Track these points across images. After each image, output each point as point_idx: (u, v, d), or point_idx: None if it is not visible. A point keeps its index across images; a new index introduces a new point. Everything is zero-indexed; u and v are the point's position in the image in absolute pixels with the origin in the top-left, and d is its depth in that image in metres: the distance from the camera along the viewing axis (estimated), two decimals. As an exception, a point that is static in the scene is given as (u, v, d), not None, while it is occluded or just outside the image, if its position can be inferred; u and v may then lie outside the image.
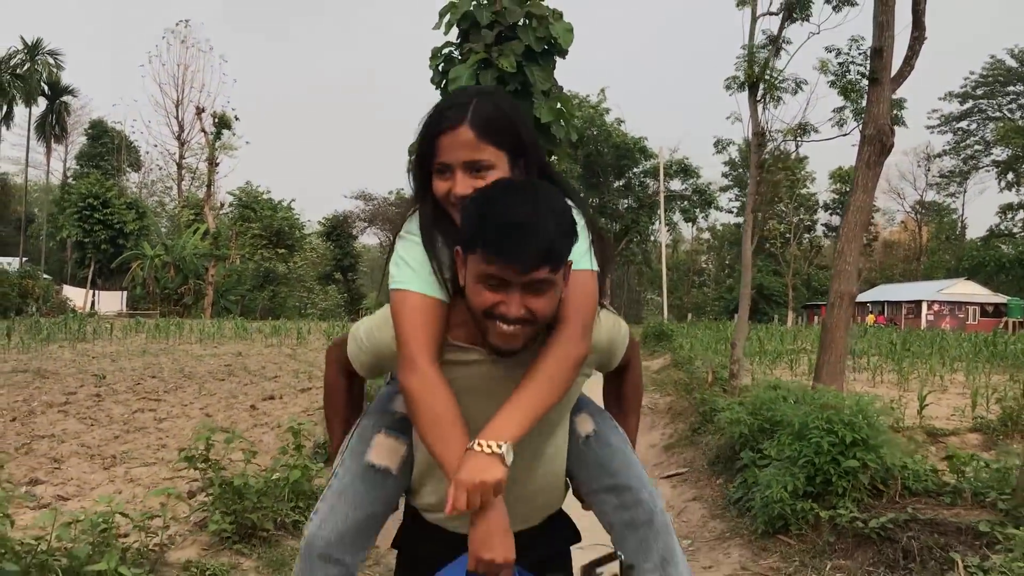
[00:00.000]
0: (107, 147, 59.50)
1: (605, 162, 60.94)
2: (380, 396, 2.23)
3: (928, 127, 75.33)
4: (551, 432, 2.06)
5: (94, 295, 47.10)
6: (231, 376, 16.35)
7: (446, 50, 18.07)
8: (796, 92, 11.25)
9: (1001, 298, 57.15)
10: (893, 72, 8.39)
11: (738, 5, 11.18)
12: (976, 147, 75.22)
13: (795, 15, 11.18)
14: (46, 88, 47.89)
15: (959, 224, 79.85)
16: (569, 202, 1.91)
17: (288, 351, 23.98)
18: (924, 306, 58.73)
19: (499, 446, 1.75)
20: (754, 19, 11.17)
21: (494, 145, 1.90)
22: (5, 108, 44.69)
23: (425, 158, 1.95)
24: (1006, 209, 69.54)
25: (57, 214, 55.55)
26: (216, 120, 48.31)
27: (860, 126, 8.54)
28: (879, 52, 8.21)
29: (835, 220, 74.88)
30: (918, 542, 4.60)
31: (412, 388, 1.84)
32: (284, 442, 6.32)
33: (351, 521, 2.01)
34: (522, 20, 16.41)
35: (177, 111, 63.45)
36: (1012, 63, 70.87)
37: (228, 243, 49.37)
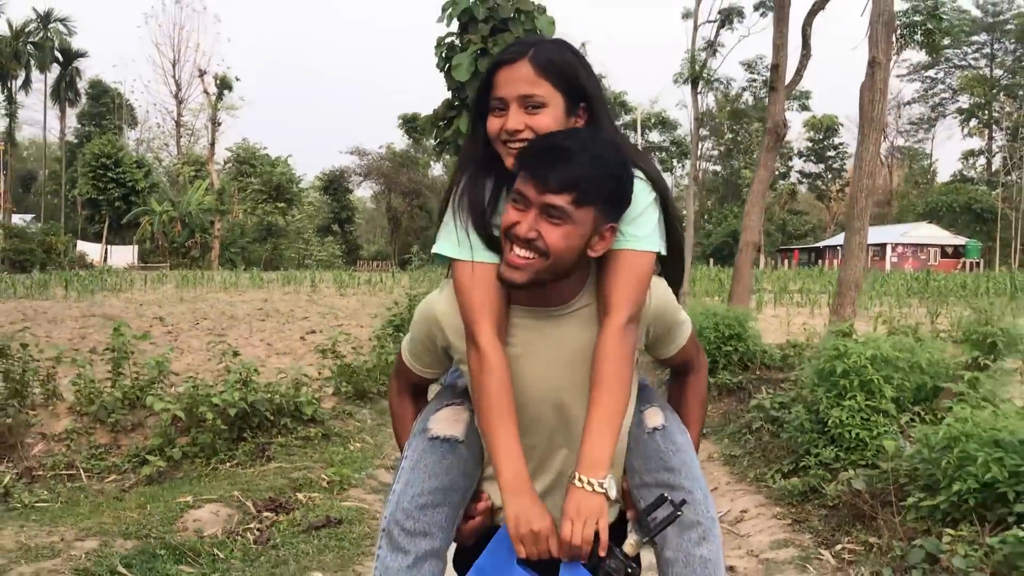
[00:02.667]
0: (107, 106, 61.85)
1: (586, 115, 63.37)
2: (446, 381, 2.16)
3: (898, 76, 78.12)
4: None
5: (106, 249, 49.98)
6: (269, 317, 19.28)
7: (448, 40, 21.68)
8: (728, 86, 14.28)
9: (961, 240, 60.42)
10: (788, 80, 11.60)
11: (683, 17, 14.30)
12: (943, 95, 78.28)
13: (728, 23, 14.31)
14: (59, 55, 50.36)
15: (930, 169, 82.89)
16: (637, 173, 1.84)
17: (306, 297, 27.10)
18: (888, 248, 61.86)
19: (600, 485, 1.72)
20: (695, 29, 14.30)
21: (551, 83, 1.80)
22: (23, 75, 47.21)
23: (482, 95, 1.89)
24: (968, 155, 72.80)
25: (63, 172, 58.35)
26: (218, 82, 50.92)
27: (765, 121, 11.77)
28: (776, 67, 11.40)
29: (809, 167, 78.28)
30: (754, 388, 8.02)
31: (471, 365, 1.83)
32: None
33: (429, 489, 1.89)
34: (513, 14, 19.86)
35: (174, 70, 65.97)
36: (977, 13, 73.53)
37: (231, 198, 52.24)
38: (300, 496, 5.77)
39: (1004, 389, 5.70)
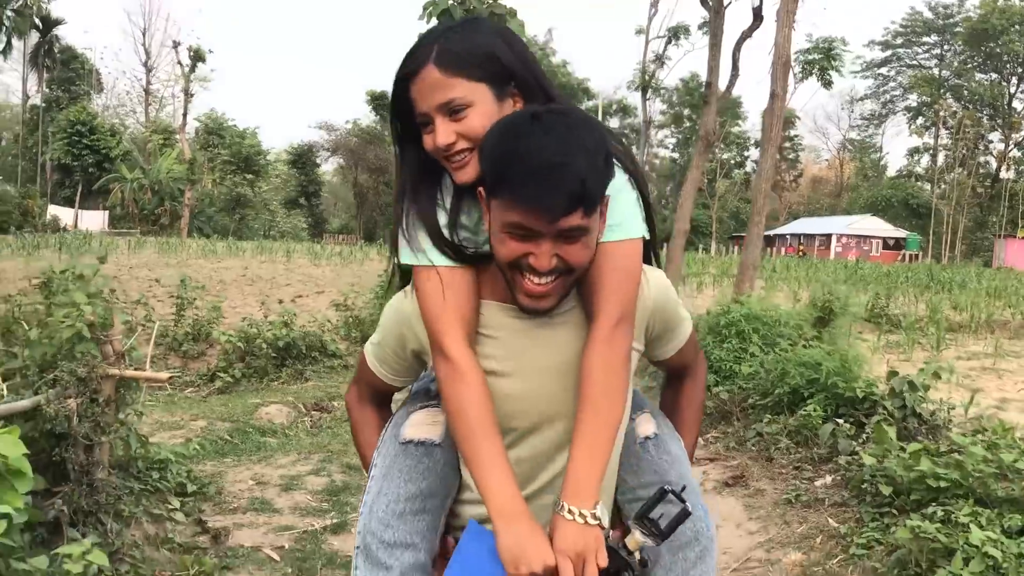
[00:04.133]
0: (76, 72, 62.69)
1: (551, 100, 65.56)
2: (414, 388, 1.95)
3: (852, 72, 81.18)
4: None
5: (77, 214, 51.25)
6: (254, 283, 21.24)
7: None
8: (672, 95, 16.58)
9: (903, 233, 63.52)
10: (720, 94, 13.93)
11: (636, 33, 16.56)
12: (894, 92, 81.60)
13: (675, 39, 16.63)
14: (38, 22, 51.43)
15: (879, 163, 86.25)
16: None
17: (282, 266, 29.07)
18: (834, 239, 64.74)
19: (593, 516, 1.52)
20: (647, 43, 16.58)
21: (464, 77, 1.58)
22: (4, 41, 48.34)
23: (400, 114, 1.68)
24: (913, 152, 76.21)
25: (28, 136, 59.36)
26: (192, 54, 52.26)
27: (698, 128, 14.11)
28: (709, 84, 13.71)
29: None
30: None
31: (441, 377, 1.64)
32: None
33: (406, 495, 1.69)
34: (486, 16, 21.97)
35: (144, 38, 67.01)
36: (929, 15, 76.61)
37: (201, 168, 53.69)
38: (335, 403, 8.01)
39: (842, 338, 8.10)
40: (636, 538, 1.57)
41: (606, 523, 1.58)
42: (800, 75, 16.45)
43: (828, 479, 5.43)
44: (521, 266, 1.54)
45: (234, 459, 6.37)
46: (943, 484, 4.37)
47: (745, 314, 8.03)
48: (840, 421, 5.91)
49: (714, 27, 13.75)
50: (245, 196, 58.95)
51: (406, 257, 1.70)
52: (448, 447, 1.75)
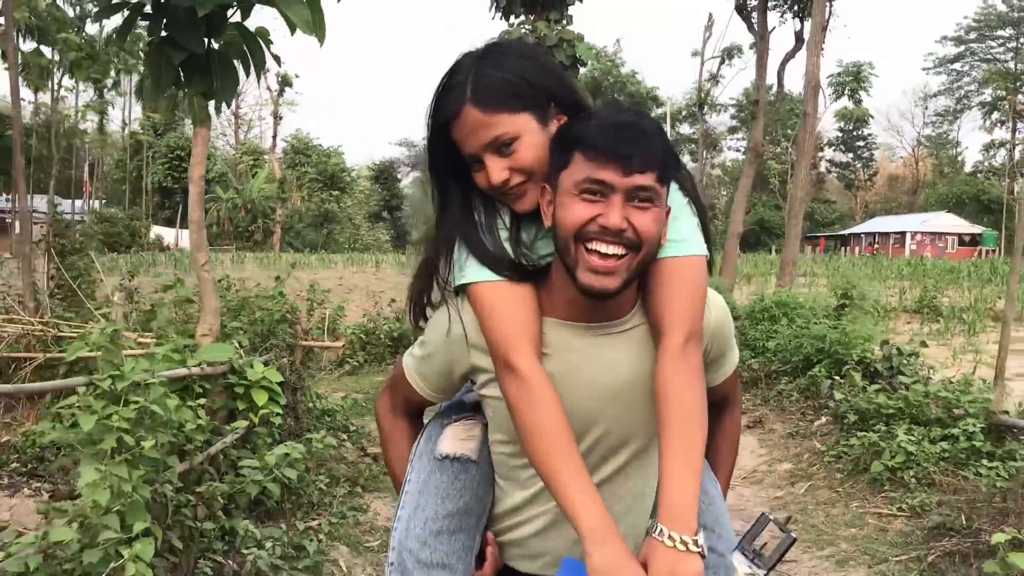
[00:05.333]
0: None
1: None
2: (448, 401, 1.90)
3: (924, 69, 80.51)
4: (652, 466, 1.64)
5: (177, 233, 54.84)
6: (353, 291, 23.50)
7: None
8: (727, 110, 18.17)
9: (979, 229, 63.06)
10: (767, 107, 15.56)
11: (692, 55, 18.32)
12: (969, 87, 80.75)
13: (729, 59, 18.31)
14: (142, 56, 55.72)
15: (957, 159, 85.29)
16: None
17: (372, 275, 31.37)
18: (908, 237, 64.62)
19: (696, 543, 1.41)
20: (702, 64, 18.32)
21: (506, 112, 1.56)
22: (114, 79, 52.50)
23: (440, 156, 1.65)
24: (988, 147, 75.42)
25: (127, 161, 63.68)
26: (280, 79, 55.51)
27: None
28: (756, 102, 15.36)
29: (838, 156, 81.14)
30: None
31: (511, 395, 1.54)
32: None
33: (444, 513, 1.68)
34: (556, 42, 23.90)
35: (233, 66, 70.74)
36: (1003, 8, 75.74)
37: (291, 187, 56.89)
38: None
39: (861, 319, 9.76)
40: (742, 572, 1.52)
41: (706, 550, 1.45)
42: (833, 95, 17.87)
43: (823, 419, 7.16)
44: (588, 235, 1.46)
45: (370, 418, 8.36)
46: (891, 411, 6.09)
47: (776, 301, 9.74)
48: (838, 378, 7.62)
49: (760, 50, 15.42)
50: (332, 212, 62.06)
51: (468, 276, 1.60)
52: (484, 463, 1.74)
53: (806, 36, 15.31)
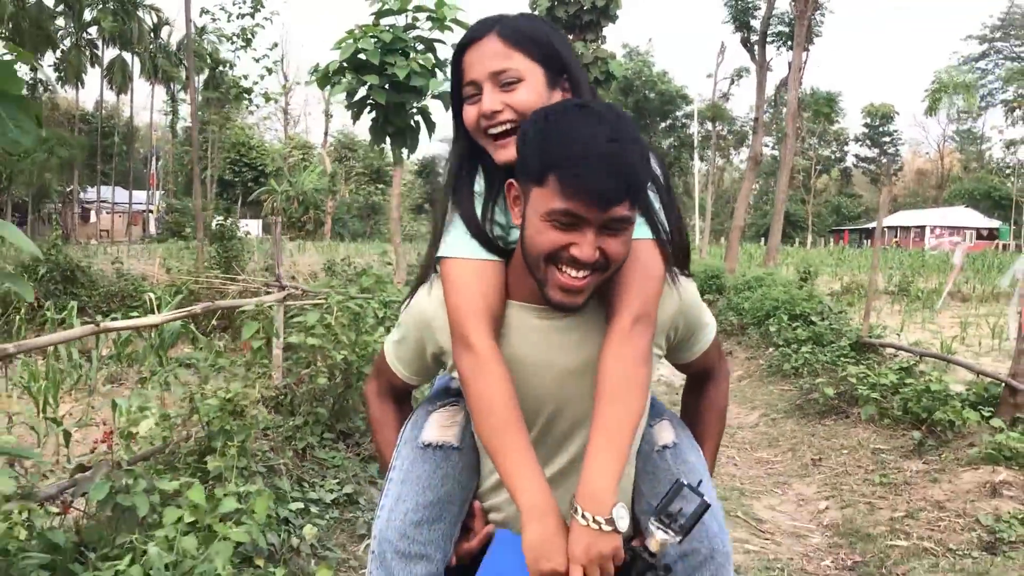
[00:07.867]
0: (224, 95, 71.25)
1: (652, 106, 69.13)
2: (433, 387, 1.98)
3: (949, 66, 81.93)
4: None
5: (236, 224, 59.11)
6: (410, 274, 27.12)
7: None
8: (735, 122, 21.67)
9: (996, 223, 64.73)
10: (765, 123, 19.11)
11: (707, 76, 21.69)
12: (993, 85, 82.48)
13: (738, 78, 21.81)
14: (211, 60, 59.79)
15: (982, 155, 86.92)
16: None
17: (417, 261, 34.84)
18: (927, 230, 66.31)
19: (608, 521, 1.45)
20: (715, 84, 21.80)
21: (525, 54, 1.60)
22: (185, 78, 56.92)
23: (455, 87, 1.69)
24: (1009, 144, 77.44)
25: (184, 154, 68.14)
26: (332, 81, 59.54)
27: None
28: (756, 119, 18.90)
29: (864, 151, 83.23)
30: (711, 293, 15.88)
31: (464, 370, 1.59)
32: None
33: (424, 503, 1.70)
34: (592, 60, 27.30)
35: (282, 64, 75.17)
36: (1028, 7, 77.33)
37: (339, 180, 61.03)
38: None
39: (817, 290, 13.42)
40: (658, 538, 1.51)
41: (624, 527, 1.47)
42: (811, 118, 21.27)
43: (771, 350, 10.83)
44: (559, 259, 1.47)
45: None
46: (803, 338, 9.75)
47: (754, 276, 13.44)
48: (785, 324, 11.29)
49: (760, 77, 19.00)
50: (377, 203, 66.19)
51: (445, 249, 1.64)
52: (467, 449, 1.77)
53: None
